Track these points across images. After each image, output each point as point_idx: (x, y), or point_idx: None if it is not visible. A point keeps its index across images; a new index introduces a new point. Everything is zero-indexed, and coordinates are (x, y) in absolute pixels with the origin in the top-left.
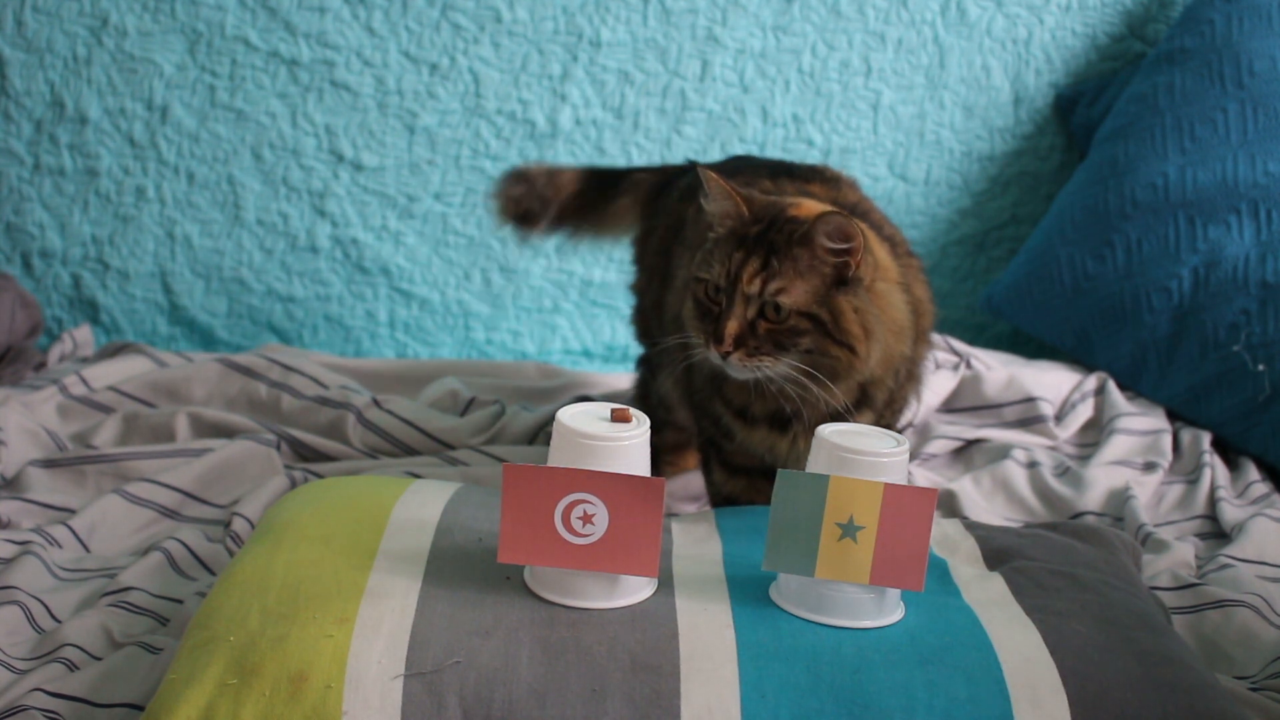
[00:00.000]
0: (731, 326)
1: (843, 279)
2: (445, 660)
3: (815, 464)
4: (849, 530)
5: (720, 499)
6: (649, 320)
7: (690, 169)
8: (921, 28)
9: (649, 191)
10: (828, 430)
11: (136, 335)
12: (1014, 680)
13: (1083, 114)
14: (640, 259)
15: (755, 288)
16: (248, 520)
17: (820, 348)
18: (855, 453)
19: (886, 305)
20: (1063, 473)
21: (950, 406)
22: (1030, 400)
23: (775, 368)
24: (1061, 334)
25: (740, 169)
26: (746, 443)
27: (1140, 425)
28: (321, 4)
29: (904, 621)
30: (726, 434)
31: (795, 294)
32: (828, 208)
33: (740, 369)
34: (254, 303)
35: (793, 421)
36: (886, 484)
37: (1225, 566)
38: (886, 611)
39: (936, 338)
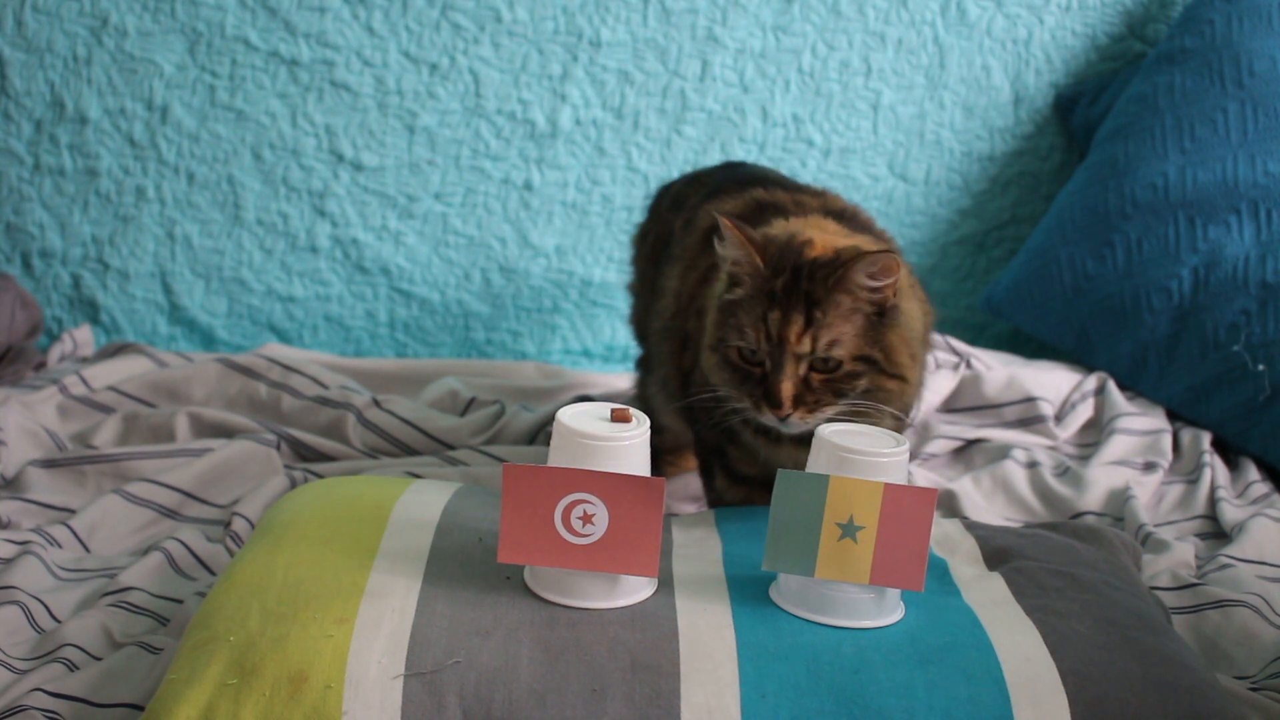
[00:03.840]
0: (787, 389)
1: (881, 311)
2: (445, 660)
3: (815, 464)
4: (849, 530)
5: (720, 505)
6: (645, 323)
7: (677, 181)
8: (921, 28)
9: (657, 192)
10: (828, 430)
11: (136, 335)
12: (1014, 680)
13: (1083, 114)
14: (636, 260)
15: (806, 346)
16: (248, 520)
17: (876, 384)
18: (855, 453)
19: (912, 320)
20: (1063, 473)
21: (950, 406)
22: (1030, 400)
23: (827, 413)
24: (1061, 334)
25: (729, 181)
26: (772, 459)
27: (1140, 425)
28: (321, 4)
29: (904, 621)
30: (744, 449)
31: (847, 343)
32: (849, 243)
33: (799, 425)
34: (254, 303)
35: None
36: (886, 484)
37: (1225, 566)
38: (886, 611)
39: (936, 337)
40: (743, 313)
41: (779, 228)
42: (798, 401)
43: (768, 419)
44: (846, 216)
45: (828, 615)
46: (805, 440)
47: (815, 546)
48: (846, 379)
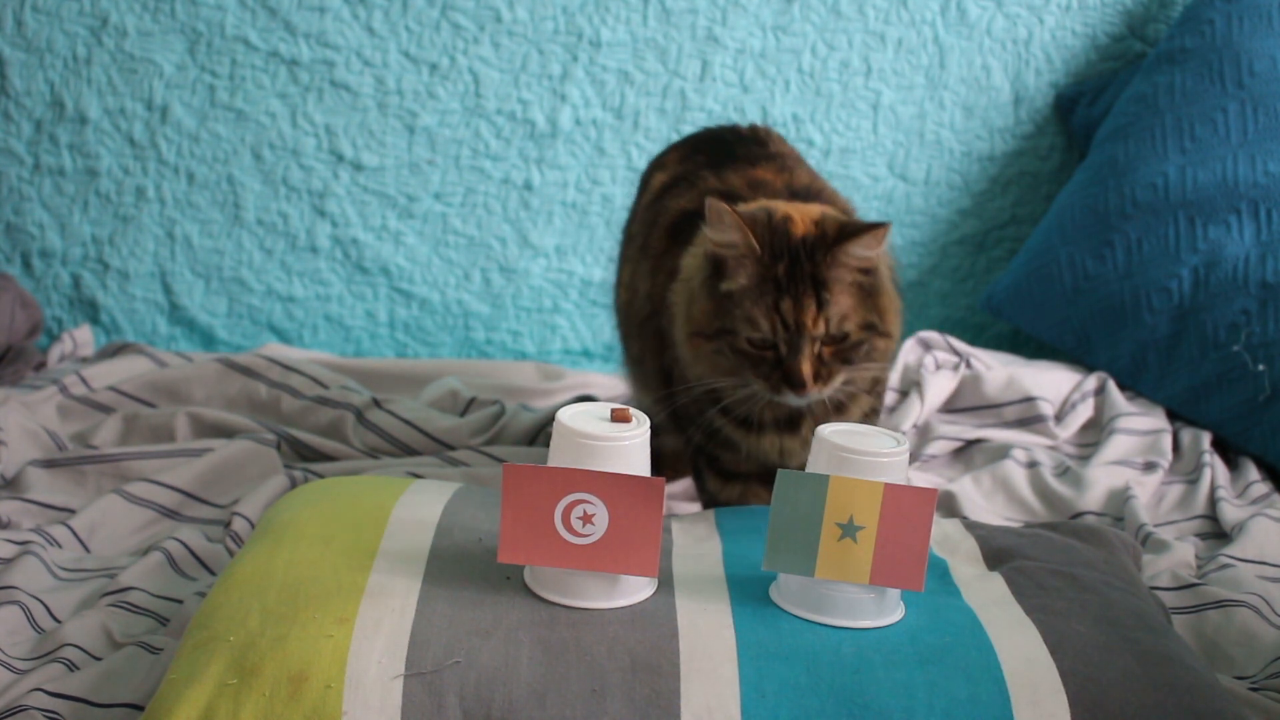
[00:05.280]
0: (807, 369)
1: (867, 273)
2: (445, 660)
3: (815, 464)
4: (849, 530)
5: (716, 505)
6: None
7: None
8: (921, 28)
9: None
10: (828, 430)
11: (136, 335)
12: (1014, 680)
13: (1083, 114)
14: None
15: (821, 328)
16: (248, 520)
17: (872, 345)
18: (855, 453)
19: (888, 274)
20: (1063, 473)
21: (950, 406)
22: (1030, 400)
23: (837, 382)
24: (1061, 334)
25: (668, 156)
26: (754, 450)
27: (1140, 425)
28: (321, 4)
29: (904, 621)
30: (727, 444)
31: (854, 315)
32: (819, 213)
33: (816, 397)
34: (254, 303)
35: (804, 420)
36: (886, 484)
37: (1225, 566)
38: (886, 611)
39: (936, 336)
40: (749, 303)
41: (750, 205)
42: (816, 377)
43: (787, 399)
44: (810, 196)
45: (828, 615)
46: (789, 425)
47: (815, 546)
48: (854, 347)
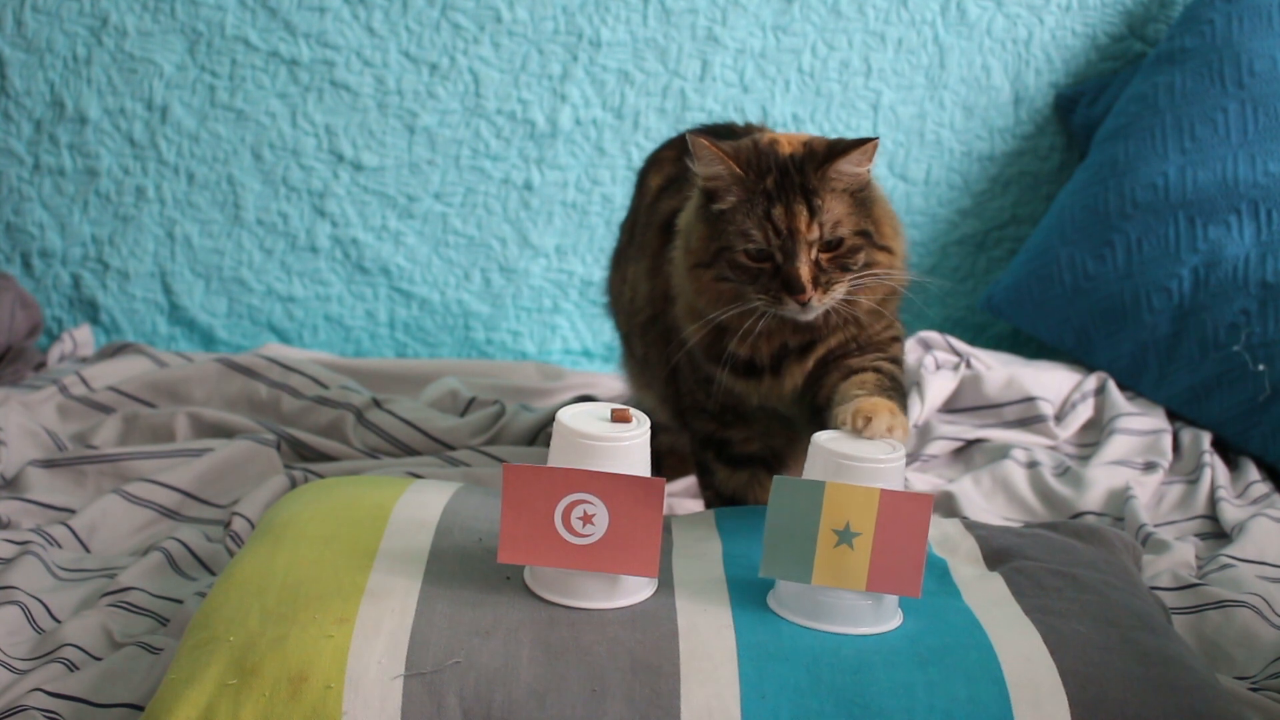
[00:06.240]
0: (805, 272)
1: (861, 189)
2: (445, 660)
3: (812, 470)
4: (845, 537)
5: (722, 500)
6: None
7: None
8: (921, 28)
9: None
10: (824, 437)
11: (136, 335)
12: (1014, 681)
13: (1083, 114)
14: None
15: (815, 232)
16: (248, 520)
17: (870, 259)
18: (851, 459)
19: (884, 194)
20: (1063, 473)
21: (950, 407)
22: (1030, 400)
23: (838, 292)
24: (1061, 334)
25: (664, 152)
26: (769, 395)
27: (1140, 425)
28: (321, 4)
29: (903, 622)
30: (738, 415)
31: (847, 221)
32: (813, 136)
33: (817, 308)
34: (254, 303)
35: (813, 348)
36: (883, 490)
37: (1225, 566)
38: (884, 618)
39: (936, 336)
40: (741, 217)
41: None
42: (815, 283)
43: (788, 308)
44: None
45: (825, 622)
46: (781, 371)
47: (812, 553)
48: (849, 253)
